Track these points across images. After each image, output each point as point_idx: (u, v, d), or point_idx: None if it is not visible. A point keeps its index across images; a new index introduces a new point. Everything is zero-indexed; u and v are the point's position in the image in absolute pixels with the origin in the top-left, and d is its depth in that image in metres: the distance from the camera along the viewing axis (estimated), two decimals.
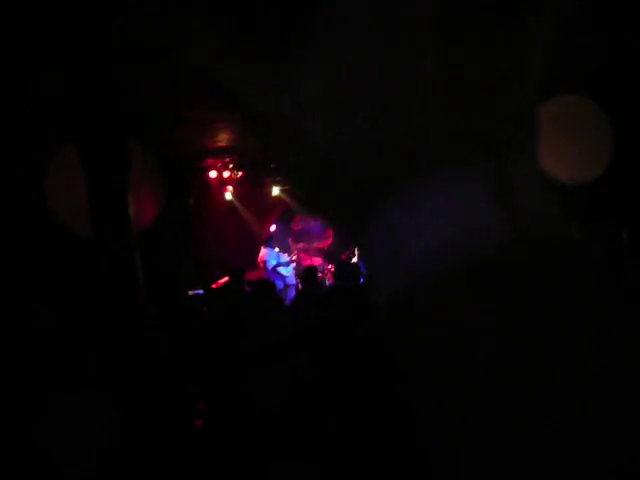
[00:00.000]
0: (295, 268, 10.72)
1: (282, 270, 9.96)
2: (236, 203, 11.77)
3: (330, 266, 11.76)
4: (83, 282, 5.92)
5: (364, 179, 0.32)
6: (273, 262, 9.95)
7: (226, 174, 10.63)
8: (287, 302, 7.47)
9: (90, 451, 2.48)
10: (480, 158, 0.30)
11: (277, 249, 10.44)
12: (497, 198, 0.29)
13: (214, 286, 9.25)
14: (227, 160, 10.33)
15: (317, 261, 13.31)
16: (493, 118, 0.32)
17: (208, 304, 6.66)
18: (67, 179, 5.50)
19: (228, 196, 11.54)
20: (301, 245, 13.51)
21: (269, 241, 10.45)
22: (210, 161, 10.18)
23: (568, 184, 7.70)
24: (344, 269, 5.64)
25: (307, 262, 13.03)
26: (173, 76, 5.37)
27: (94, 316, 5.17)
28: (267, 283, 5.58)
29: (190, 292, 8.89)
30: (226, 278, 9.02)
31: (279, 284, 9.60)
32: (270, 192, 12.71)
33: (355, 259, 10.46)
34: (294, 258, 11.39)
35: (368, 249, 0.34)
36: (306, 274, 6.04)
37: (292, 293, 8.94)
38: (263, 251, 10.21)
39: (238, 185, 11.43)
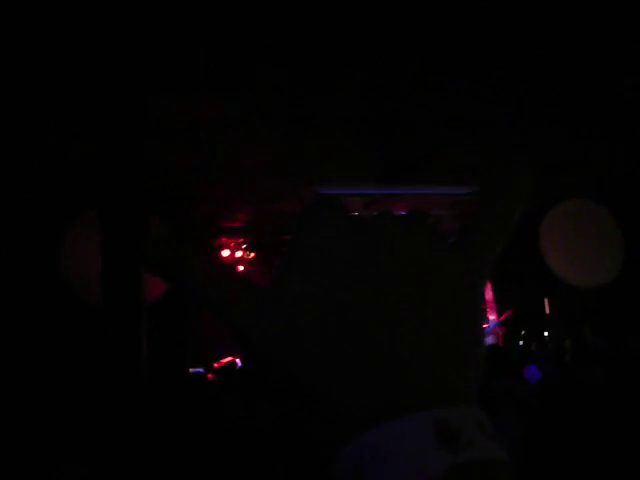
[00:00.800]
0: None
1: None
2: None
3: None
4: (88, 350, 5.88)
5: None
6: None
7: (238, 254, 10.72)
8: None
9: None
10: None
11: None
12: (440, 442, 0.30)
13: (216, 365, 9.12)
14: (240, 240, 10.46)
15: None
16: None
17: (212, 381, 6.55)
18: (83, 246, 5.58)
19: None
20: None
21: None
22: (224, 240, 10.31)
23: (580, 287, 7.71)
24: None
25: None
26: (196, 155, 5.57)
27: (96, 384, 5.10)
28: None
29: (191, 370, 8.75)
30: (229, 358, 8.90)
31: None
32: None
33: None
34: None
35: None
36: None
37: None
38: None
39: (250, 266, 11.50)
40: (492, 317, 10.27)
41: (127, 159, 4.91)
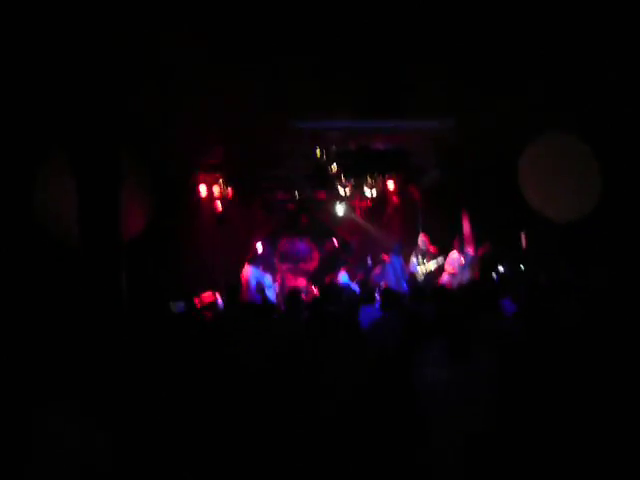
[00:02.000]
0: (278, 289, 10.65)
1: (266, 290, 9.88)
2: (224, 220, 11.74)
3: (314, 288, 11.74)
4: (67, 289, 5.86)
5: None
6: (255, 282, 9.87)
7: (216, 190, 10.62)
8: None
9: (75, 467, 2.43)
10: None
11: (262, 269, 10.36)
12: None
13: (197, 300, 9.19)
14: (218, 176, 10.34)
15: (301, 282, 13.30)
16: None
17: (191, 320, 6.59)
18: (56, 186, 5.47)
19: (217, 212, 11.53)
20: (286, 265, 13.49)
21: (254, 260, 10.38)
22: (201, 176, 10.19)
23: (556, 221, 7.82)
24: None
25: (291, 283, 13.00)
26: (170, 90, 5.42)
27: (75, 323, 5.12)
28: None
29: (172, 305, 8.81)
30: (209, 293, 8.98)
31: None
32: (257, 210, 12.71)
33: (341, 281, 10.43)
34: (278, 280, 11.31)
35: None
36: (290, 298, 6.00)
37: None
38: (247, 269, 10.15)
39: (227, 202, 11.43)
40: (469, 250, 10.40)
41: (97, 96, 4.77)
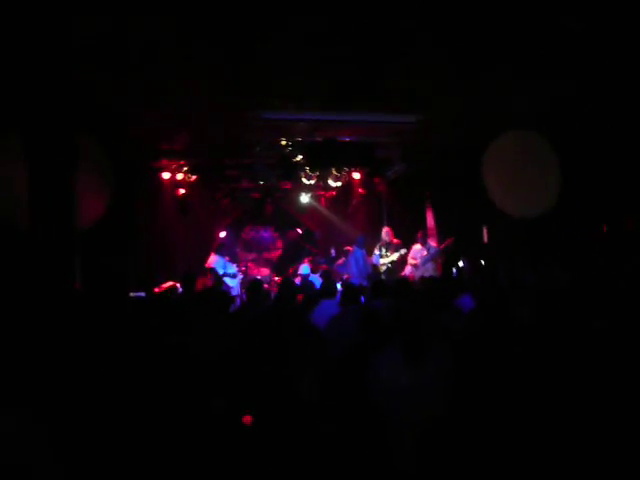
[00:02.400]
0: (242, 279, 10.58)
1: (228, 280, 9.80)
2: (187, 207, 11.59)
3: (277, 278, 11.70)
4: (16, 275, 5.69)
5: None
6: (220, 271, 9.78)
7: (180, 176, 10.46)
8: None
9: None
10: None
11: (227, 258, 10.27)
12: None
13: (157, 290, 9.05)
14: (182, 162, 10.18)
15: (264, 272, 13.25)
16: None
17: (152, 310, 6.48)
18: (8, 168, 5.28)
19: (179, 199, 11.36)
20: (250, 255, 13.43)
21: (221, 248, 10.26)
22: (164, 162, 10.01)
23: (516, 217, 7.90)
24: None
25: (255, 272, 12.93)
26: (135, 72, 5.27)
27: (24, 310, 4.97)
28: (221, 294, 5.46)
29: (131, 294, 8.66)
30: (170, 283, 8.83)
31: None
32: (222, 198, 12.58)
33: (301, 272, 10.40)
34: (242, 269, 11.22)
35: None
36: (251, 288, 5.93)
37: (236, 304, 8.73)
38: (212, 258, 10.04)
39: (191, 189, 11.27)
40: (433, 244, 10.47)
41: (53, 77, 4.61)
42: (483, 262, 9.33)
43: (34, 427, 2.27)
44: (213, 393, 3.53)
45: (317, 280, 9.33)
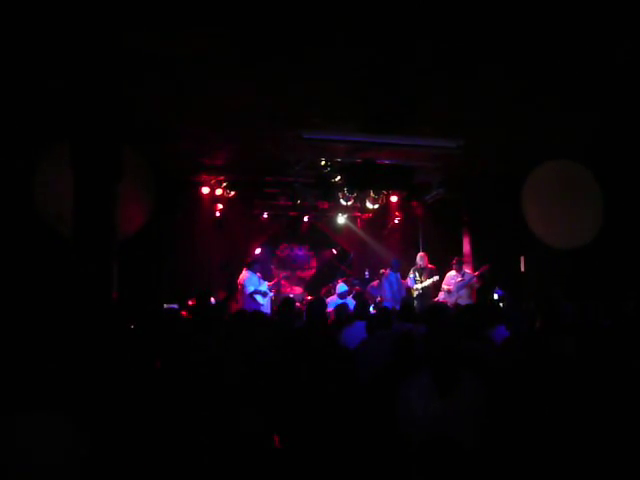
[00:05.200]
0: (273, 297, 10.56)
1: (258, 298, 9.79)
2: (224, 221, 11.72)
3: (310, 297, 11.68)
4: (59, 282, 5.82)
5: None
6: (251, 288, 9.78)
7: (218, 192, 10.59)
8: None
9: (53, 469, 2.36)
10: None
11: (259, 275, 10.28)
12: None
13: (190, 303, 9.14)
14: (221, 178, 10.31)
15: (297, 290, 13.26)
16: None
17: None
18: (56, 179, 5.44)
19: (217, 214, 11.50)
20: (283, 272, 13.45)
21: (253, 265, 10.28)
22: (204, 177, 10.15)
23: (555, 248, 7.77)
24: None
25: (287, 290, 12.96)
26: (178, 88, 5.39)
27: (63, 316, 5.07)
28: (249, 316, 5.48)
29: (165, 306, 8.76)
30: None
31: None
32: (260, 214, 12.69)
33: (339, 291, 10.36)
34: (275, 287, 11.21)
35: None
36: (283, 306, 5.94)
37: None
38: (244, 274, 10.07)
39: (229, 204, 11.39)
40: (468, 270, 10.36)
41: (101, 93, 4.74)
42: (519, 292, 9.18)
43: (72, 431, 2.30)
44: (241, 407, 3.53)
45: (350, 301, 9.30)
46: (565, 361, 3.85)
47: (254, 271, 10.08)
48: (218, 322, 5.73)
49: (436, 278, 10.32)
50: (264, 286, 10.08)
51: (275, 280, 11.68)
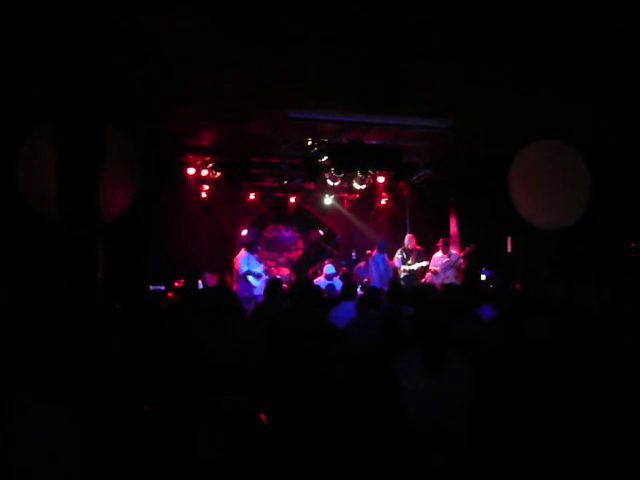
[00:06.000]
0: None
1: (251, 279, 9.74)
2: (211, 203, 11.65)
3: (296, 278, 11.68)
4: (42, 264, 5.76)
5: None
6: (245, 268, 9.72)
7: (204, 173, 10.49)
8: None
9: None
10: None
11: (257, 256, 10.17)
12: None
13: (177, 284, 9.11)
14: (207, 159, 10.20)
15: (284, 271, 13.26)
16: None
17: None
18: (39, 159, 5.35)
19: (203, 195, 11.41)
20: (271, 254, 13.44)
21: (252, 246, 10.16)
22: (190, 157, 10.04)
23: (544, 229, 7.79)
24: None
25: (274, 272, 12.94)
26: (163, 67, 5.30)
27: (47, 300, 5.02)
28: (229, 293, 5.44)
29: (151, 287, 8.73)
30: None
31: (243, 292, 9.40)
32: (246, 195, 12.62)
33: (327, 272, 10.36)
34: (269, 269, 11.15)
35: None
36: (270, 287, 5.92)
37: (251, 306, 8.54)
38: (241, 253, 9.99)
39: (215, 185, 11.31)
40: (454, 251, 10.40)
41: (85, 72, 4.65)
42: (504, 273, 9.23)
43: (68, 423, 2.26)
44: (229, 392, 3.52)
45: (337, 283, 9.30)
46: (539, 344, 3.87)
47: (252, 252, 10.00)
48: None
49: (425, 263, 10.37)
50: (260, 268, 10.00)
51: (269, 263, 11.59)
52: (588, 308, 4.38)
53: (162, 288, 8.78)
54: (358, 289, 7.73)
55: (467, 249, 9.91)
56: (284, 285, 7.99)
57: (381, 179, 11.15)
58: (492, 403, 3.35)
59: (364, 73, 5.56)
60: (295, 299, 5.44)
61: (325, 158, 8.89)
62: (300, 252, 14.47)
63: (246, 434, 2.61)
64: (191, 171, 10.35)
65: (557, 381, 3.36)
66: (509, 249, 9.79)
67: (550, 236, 7.93)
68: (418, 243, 10.72)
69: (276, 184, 11.44)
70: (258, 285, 9.66)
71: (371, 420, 2.99)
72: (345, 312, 5.47)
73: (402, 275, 10.49)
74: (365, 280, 10.32)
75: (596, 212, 7.47)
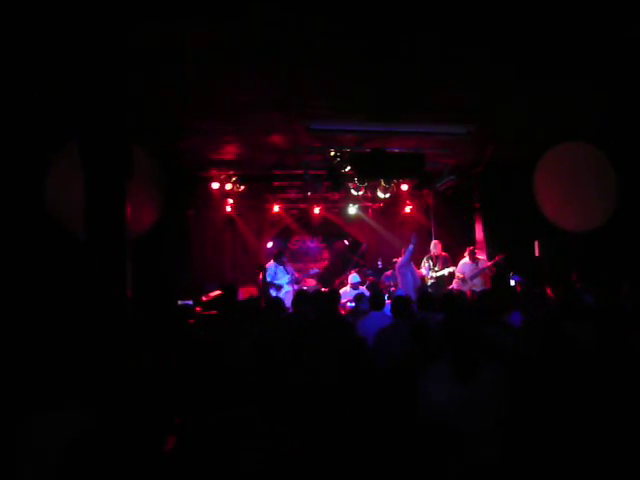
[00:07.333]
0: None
1: (272, 291, 9.76)
2: (235, 216, 11.73)
3: (323, 289, 11.64)
4: (72, 282, 5.84)
5: None
6: (268, 279, 9.75)
7: (228, 187, 10.57)
8: None
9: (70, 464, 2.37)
10: None
11: (288, 267, 10.17)
12: None
13: (205, 299, 9.15)
14: (230, 173, 10.29)
15: (310, 282, 13.25)
16: None
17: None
18: (67, 178, 5.45)
19: (228, 209, 11.48)
20: (296, 265, 13.45)
21: (278, 257, 10.17)
22: (213, 172, 10.14)
23: (570, 231, 7.70)
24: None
25: (301, 283, 12.94)
26: (185, 86, 5.37)
27: (77, 317, 5.09)
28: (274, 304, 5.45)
29: (180, 302, 8.78)
30: (217, 292, 8.91)
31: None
32: (271, 208, 12.68)
33: (352, 281, 10.30)
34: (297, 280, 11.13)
35: None
36: (297, 299, 5.92)
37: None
38: (269, 264, 10.04)
39: (239, 199, 11.38)
40: (482, 257, 10.29)
41: (109, 90, 4.73)
42: (534, 277, 9.11)
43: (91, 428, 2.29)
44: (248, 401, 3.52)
45: (364, 292, 9.26)
46: (583, 347, 3.81)
47: (279, 263, 10.01)
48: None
49: (452, 269, 10.27)
50: (285, 279, 9.99)
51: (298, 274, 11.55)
52: (624, 311, 4.28)
53: (190, 303, 8.83)
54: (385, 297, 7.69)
55: (496, 258, 9.80)
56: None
57: (405, 187, 11.11)
58: (533, 409, 3.30)
59: (383, 81, 5.56)
60: (321, 311, 5.45)
61: (348, 168, 8.89)
62: (326, 263, 14.46)
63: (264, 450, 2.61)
64: (215, 185, 10.44)
65: (604, 386, 3.30)
66: (537, 253, 9.66)
67: (578, 238, 7.82)
68: (444, 250, 10.64)
69: (300, 195, 11.46)
70: (281, 296, 9.67)
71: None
72: (373, 322, 5.43)
73: (429, 282, 10.40)
74: (392, 288, 10.26)
75: (624, 212, 7.36)
